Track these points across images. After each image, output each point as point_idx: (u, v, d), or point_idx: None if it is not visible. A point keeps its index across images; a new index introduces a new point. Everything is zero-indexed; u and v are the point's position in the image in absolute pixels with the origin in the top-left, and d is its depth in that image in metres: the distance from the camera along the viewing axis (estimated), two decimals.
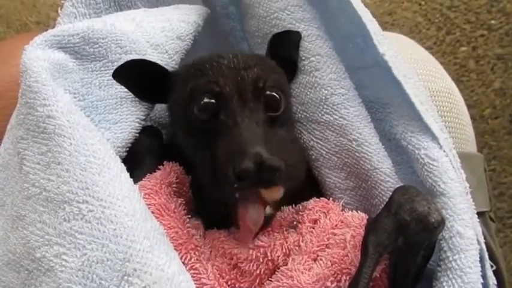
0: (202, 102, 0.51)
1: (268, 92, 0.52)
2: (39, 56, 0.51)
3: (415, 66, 0.71)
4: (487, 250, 0.53)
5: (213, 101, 0.51)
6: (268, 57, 0.58)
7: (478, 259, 0.48)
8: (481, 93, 1.30)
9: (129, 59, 0.55)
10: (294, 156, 0.51)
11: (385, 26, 1.29)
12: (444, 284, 0.46)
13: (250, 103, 0.51)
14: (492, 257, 0.56)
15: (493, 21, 1.29)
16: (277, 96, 0.53)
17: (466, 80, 1.30)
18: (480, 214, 0.65)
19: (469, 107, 1.24)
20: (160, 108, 0.66)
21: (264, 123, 0.50)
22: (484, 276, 0.49)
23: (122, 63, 0.55)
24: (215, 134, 0.49)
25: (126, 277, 0.42)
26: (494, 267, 0.54)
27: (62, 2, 0.61)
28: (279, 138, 0.51)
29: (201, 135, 0.51)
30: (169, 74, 0.57)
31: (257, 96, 0.51)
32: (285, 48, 0.58)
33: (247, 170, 0.43)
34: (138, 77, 0.55)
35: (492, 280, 0.51)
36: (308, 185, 0.58)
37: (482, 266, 0.50)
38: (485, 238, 0.55)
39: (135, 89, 0.56)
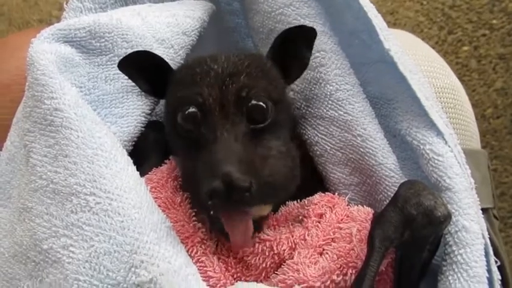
0: (186, 112, 0.50)
1: (253, 102, 0.50)
2: (45, 49, 0.51)
3: (419, 63, 0.71)
4: (492, 247, 0.53)
5: (196, 111, 0.50)
6: (265, 57, 0.56)
7: (484, 253, 0.48)
8: (483, 92, 1.30)
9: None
10: (279, 170, 0.49)
11: (387, 26, 1.29)
12: (450, 278, 0.46)
13: (232, 116, 0.49)
14: (496, 253, 0.56)
15: (494, 21, 1.29)
16: (263, 105, 0.50)
17: (468, 80, 1.30)
18: (484, 210, 0.66)
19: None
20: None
21: (246, 136, 0.49)
22: (489, 271, 0.50)
23: (127, 54, 0.54)
24: (196, 146, 0.49)
25: (133, 269, 0.42)
26: (499, 263, 0.54)
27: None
28: (262, 151, 0.49)
29: (185, 144, 0.51)
30: (170, 71, 0.56)
31: (239, 108, 0.50)
32: (297, 44, 0.56)
33: (215, 190, 0.43)
34: (142, 69, 0.54)
35: (497, 275, 0.51)
36: (313, 181, 0.58)
37: (488, 261, 0.50)
38: (489, 234, 0.55)
39: (138, 80, 0.56)
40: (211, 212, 0.47)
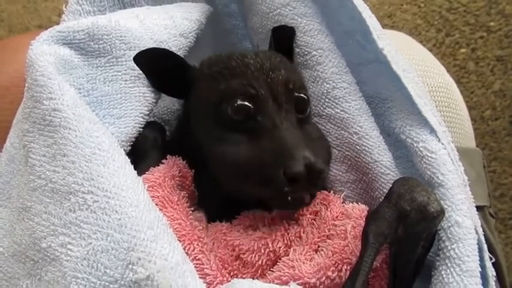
0: (236, 104, 0.51)
1: (297, 94, 0.53)
2: (45, 50, 0.52)
3: (413, 63, 0.72)
4: (487, 244, 0.54)
5: (247, 103, 0.51)
6: (281, 55, 0.58)
7: (476, 248, 0.48)
8: (481, 94, 1.31)
9: (133, 55, 0.56)
10: (325, 152, 0.54)
11: (384, 29, 1.29)
12: (443, 272, 0.47)
13: (285, 105, 0.52)
14: (491, 251, 0.56)
15: (492, 23, 1.30)
16: (305, 97, 0.54)
17: (466, 82, 1.31)
18: (479, 208, 0.66)
19: (469, 108, 1.25)
20: (163, 105, 0.67)
21: (298, 125, 0.52)
22: (483, 267, 0.50)
23: (144, 49, 0.56)
24: (251, 133, 0.50)
25: (130, 266, 0.42)
26: (493, 260, 0.54)
27: (66, 1, 0.62)
28: (312, 138, 0.53)
29: (234, 132, 0.51)
30: (189, 69, 0.57)
31: (289, 98, 0.52)
32: (283, 42, 0.60)
33: (300, 173, 0.45)
34: (158, 66, 0.56)
35: (491, 271, 0.52)
36: None
37: (481, 257, 0.50)
38: (484, 232, 0.55)
39: (153, 77, 0.57)
40: (289, 198, 0.47)
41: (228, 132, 0.52)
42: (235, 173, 0.51)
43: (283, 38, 0.60)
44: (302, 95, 0.54)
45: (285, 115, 0.51)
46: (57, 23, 0.59)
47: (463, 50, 1.32)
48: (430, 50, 1.29)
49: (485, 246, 0.51)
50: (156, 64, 0.56)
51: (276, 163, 0.47)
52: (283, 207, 0.51)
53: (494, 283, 0.52)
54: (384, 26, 1.38)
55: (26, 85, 0.51)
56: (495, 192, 1.31)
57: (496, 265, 0.57)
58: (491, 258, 0.53)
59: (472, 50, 1.31)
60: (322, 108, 0.59)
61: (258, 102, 0.51)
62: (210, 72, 0.55)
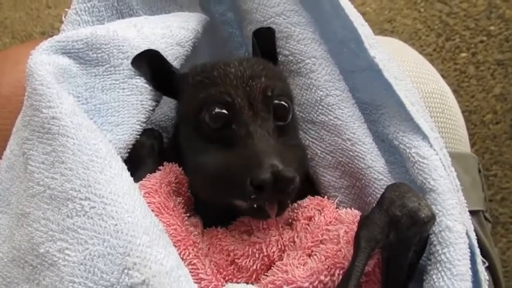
0: (213, 112, 0.52)
1: (276, 101, 0.53)
2: (44, 60, 0.53)
3: (407, 69, 0.73)
4: (481, 249, 0.54)
5: (224, 111, 0.52)
6: (267, 61, 0.59)
7: (468, 252, 0.49)
8: (482, 98, 1.30)
9: (131, 64, 0.58)
10: (303, 165, 0.53)
11: (384, 33, 1.30)
12: (434, 276, 0.47)
13: (261, 113, 0.52)
14: (486, 255, 0.57)
15: (492, 27, 1.30)
16: (285, 104, 0.54)
17: (467, 86, 1.31)
18: (474, 213, 0.67)
19: (469, 112, 1.26)
20: (161, 112, 0.68)
21: (275, 133, 0.52)
22: (476, 271, 0.51)
23: (140, 51, 0.57)
24: (226, 142, 0.51)
25: (126, 270, 0.43)
26: (487, 264, 0.55)
27: (66, 10, 0.63)
28: (288, 147, 0.52)
29: (210, 142, 0.52)
30: (177, 75, 0.59)
31: (267, 106, 0.52)
32: (265, 44, 0.61)
33: (265, 181, 0.45)
34: (152, 67, 0.58)
35: (484, 276, 0.52)
36: (307, 184, 0.60)
37: (474, 262, 0.51)
38: (479, 237, 0.56)
39: (149, 77, 0.58)
40: (255, 205, 0.48)
41: (204, 142, 0.53)
42: (206, 183, 0.52)
43: (265, 41, 0.61)
44: (282, 102, 0.53)
45: (260, 123, 0.51)
46: (60, 30, 0.61)
47: (463, 55, 1.31)
48: (430, 55, 1.30)
49: (477, 251, 0.52)
50: (151, 65, 0.58)
51: (244, 171, 0.47)
52: (253, 216, 0.51)
53: (487, 287, 0.52)
54: (384, 31, 1.39)
55: (26, 94, 0.52)
56: (496, 196, 1.31)
57: (490, 268, 0.57)
58: (484, 263, 0.53)
59: (472, 54, 1.31)
60: (315, 115, 0.59)
61: (234, 110, 0.51)
62: (193, 81, 0.56)
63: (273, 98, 0.53)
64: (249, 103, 0.52)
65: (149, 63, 0.58)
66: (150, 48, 0.58)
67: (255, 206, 0.48)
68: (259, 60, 0.58)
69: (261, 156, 0.47)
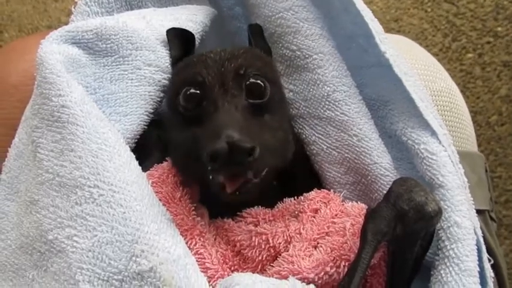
0: (187, 93, 0.52)
1: (251, 80, 0.53)
2: (54, 49, 0.53)
3: (416, 67, 0.73)
4: (486, 247, 0.54)
5: (197, 91, 0.52)
6: (258, 50, 0.59)
7: (475, 248, 0.49)
8: (487, 100, 1.30)
9: (139, 54, 0.58)
10: (277, 141, 0.51)
11: (391, 33, 1.29)
12: (442, 271, 0.48)
13: (232, 90, 0.52)
14: (491, 254, 0.57)
15: (499, 28, 1.29)
16: (260, 83, 0.53)
17: (472, 87, 1.30)
18: (480, 212, 0.67)
19: (475, 113, 1.25)
20: None
21: (246, 109, 0.51)
22: (482, 268, 0.51)
23: (177, 27, 0.61)
24: (198, 121, 0.51)
25: (134, 258, 0.43)
26: (492, 261, 0.55)
27: (75, 2, 0.63)
28: (262, 124, 0.51)
29: (185, 122, 0.53)
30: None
31: (239, 84, 0.52)
32: (258, 39, 0.62)
33: (218, 152, 0.43)
34: (182, 47, 0.60)
35: (490, 272, 0.52)
36: (312, 179, 0.60)
37: (480, 258, 0.51)
38: (484, 235, 0.56)
39: (173, 54, 0.61)
40: (211, 177, 0.47)
41: (180, 123, 0.54)
42: (179, 160, 0.53)
43: (257, 36, 0.62)
44: (258, 81, 0.53)
45: (229, 99, 0.51)
46: (66, 24, 0.61)
47: (469, 55, 1.31)
48: (437, 55, 1.29)
49: (484, 248, 0.52)
50: (182, 45, 0.60)
51: (204, 144, 0.46)
52: (217, 194, 0.49)
53: (492, 284, 0.52)
54: (391, 30, 1.39)
55: (36, 82, 0.53)
56: (500, 198, 1.30)
57: (495, 267, 0.57)
58: (490, 260, 0.53)
59: (478, 55, 1.31)
60: (322, 110, 0.59)
61: (205, 89, 0.52)
62: (178, 67, 0.58)
63: (245, 76, 0.53)
64: (221, 82, 0.52)
65: (182, 42, 0.60)
66: (161, 46, 0.60)
67: (210, 177, 0.47)
68: (247, 47, 0.59)
69: (220, 128, 0.46)
